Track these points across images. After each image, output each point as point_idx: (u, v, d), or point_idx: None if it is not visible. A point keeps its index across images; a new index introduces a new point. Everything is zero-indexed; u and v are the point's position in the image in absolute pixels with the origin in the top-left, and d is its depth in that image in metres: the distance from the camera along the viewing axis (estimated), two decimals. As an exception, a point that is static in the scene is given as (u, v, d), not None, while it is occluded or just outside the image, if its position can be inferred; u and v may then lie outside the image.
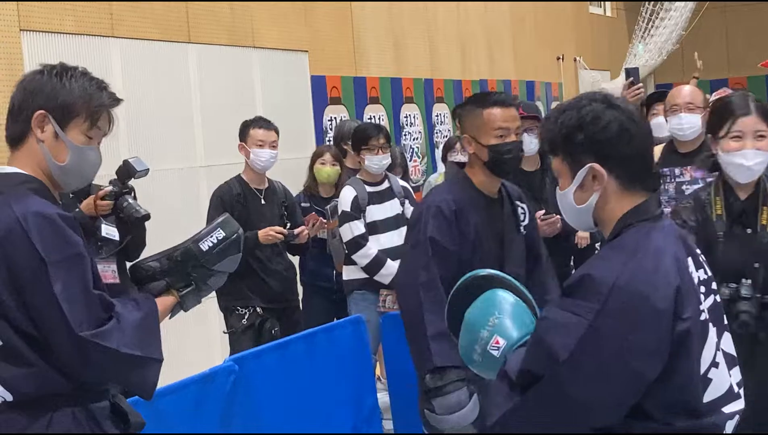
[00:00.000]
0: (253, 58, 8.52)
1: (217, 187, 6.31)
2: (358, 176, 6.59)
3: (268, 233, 6.07)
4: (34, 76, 2.84)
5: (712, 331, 2.49)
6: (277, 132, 6.27)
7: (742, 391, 2.55)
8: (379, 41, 10.46)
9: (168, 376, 3.99)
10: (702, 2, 16.20)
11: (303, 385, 5.33)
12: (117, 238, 5.17)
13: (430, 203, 4.20)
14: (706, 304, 2.50)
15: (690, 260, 2.51)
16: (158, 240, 6.81)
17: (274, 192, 6.35)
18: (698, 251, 2.60)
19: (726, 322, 2.60)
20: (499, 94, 4.29)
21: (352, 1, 10.00)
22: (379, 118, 10.10)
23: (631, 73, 6.32)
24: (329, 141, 8.98)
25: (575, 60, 15.71)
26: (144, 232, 5.38)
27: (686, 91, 5.92)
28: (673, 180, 5.76)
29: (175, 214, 7.27)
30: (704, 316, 2.47)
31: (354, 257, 6.39)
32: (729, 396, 2.50)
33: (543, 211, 5.97)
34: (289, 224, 6.30)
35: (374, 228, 6.42)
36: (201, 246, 3.01)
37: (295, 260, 6.65)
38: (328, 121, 9.43)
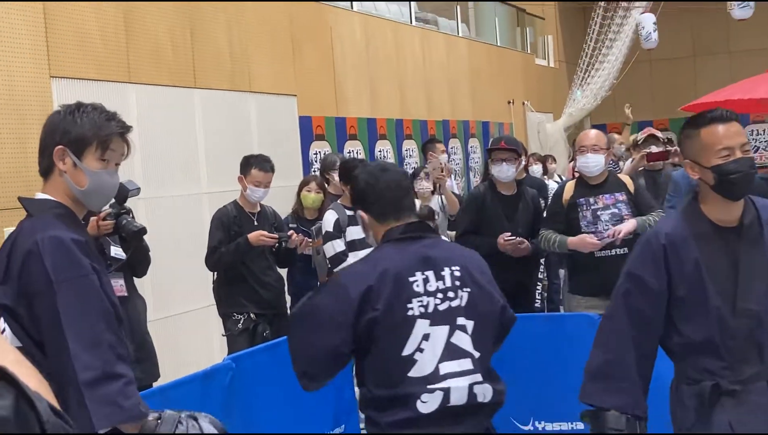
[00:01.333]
0: (250, 100, 8.52)
1: (217, 211, 6.32)
2: (339, 202, 6.59)
3: (260, 236, 6.05)
4: (53, 116, 2.85)
5: (425, 326, 2.91)
6: (273, 171, 6.27)
7: (461, 377, 2.93)
8: (357, 87, 10.48)
9: (176, 372, 3.99)
10: (630, 57, 16.33)
11: (292, 381, 5.30)
12: (123, 256, 5.13)
13: (647, 234, 3.21)
14: (433, 307, 2.95)
15: (427, 274, 2.97)
16: (169, 256, 6.84)
17: (265, 215, 6.37)
18: (453, 268, 3.02)
19: (461, 323, 2.97)
20: (716, 111, 3.14)
21: (334, 50, 10.02)
22: (357, 153, 10.10)
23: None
24: (315, 171, 8.99)
25: (523, 104, 15.78)
26: (144, 246, 5.29)
27: (592, 135, 5.98)
28: (588, 208, 5.85)
29: (182, 234, 7.25)
30: (412, 312, 2.92)
31: (336, 271, 6.39)
32: (433, 376, 2.89)
33: (509, 234, 6.02)
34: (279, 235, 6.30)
35: (353, 246, 6.42)
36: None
37: (284, 273, 6.64)
38: (314, 154, 9.43)
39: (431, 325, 2.94)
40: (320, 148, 9.56)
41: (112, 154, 2.83)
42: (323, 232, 6.44)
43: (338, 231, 6.38)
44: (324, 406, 5.52)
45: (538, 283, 7.50)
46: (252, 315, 6.18)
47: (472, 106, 13.70)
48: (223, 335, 6.27)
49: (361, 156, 10.11)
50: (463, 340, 2.96)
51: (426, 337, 2.92)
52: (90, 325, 2.60)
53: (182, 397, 4.31)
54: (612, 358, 3.05)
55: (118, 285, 5.09)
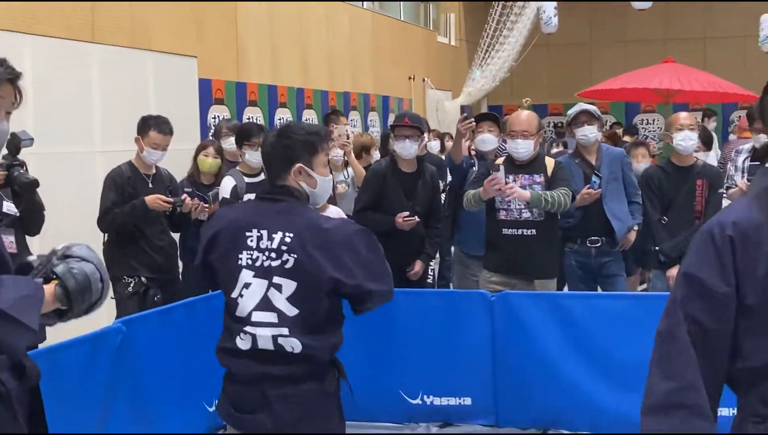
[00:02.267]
0: (149, 59, 8.34)
1: (111, 171, 6.18)
2: (237, 168, 6.52)
3: (156, 199, 5.98)
4: None
5: (248, 276, 3.29)
6: (171, 133, 6.16)
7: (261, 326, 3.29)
8: (259, 52, 10.37)
9: (60, 334, 3.89)
10: (530, 41, 16.57)
11: (183, 347, 5.25)
12: (16, 211, 4.98)
13: (709, 224, 2.35)
14: (260, 262, 3.29)
15: (263, 232, 3.31)
16: (59, 215, 6.65)
17: (160, 177, 6.27)
18: (286, 234, 3.30)
19: (277, 282, 3.28)
20: None
21: (238, 15, 9.89)
22: (256, 119, 10.00)
23: (465, 109, 6.45)
24: (212, 136, 8.87)
25: (424, 80, 15.88)
26: (38, 202, 5.14)
27: (523, 119, 5.98)
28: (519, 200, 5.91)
29: (73, 193, 7.08)
30: (240, 262, 3.31)
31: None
32: (247, 320, 3.30)
33: (407, 213, 6.06)
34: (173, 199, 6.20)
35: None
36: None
37: (177, 238, 6.55)
38: (212, 118, 9.30)
39: (254, 277, 3.31)
40: (219, 113, 9.44)
41: (1, 101, 2.71)
42: (220, 198, 6.37)
43: (235, 198, 6.32)
44: (216, 376, 5.49)
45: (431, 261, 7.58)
46: (143, 279, 6.09)
47: (374, 80, 13.71)
48: (111, 298, 6.16)
49: (261, 123, 10.02)
50: (275, 297, 3.29)
51: (247, 285, 3.32)
52: None
53: (70, 360, 4.23)
54: (679, 385, 2.29)
55: (8, 241, 4.94)
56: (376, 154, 8.27)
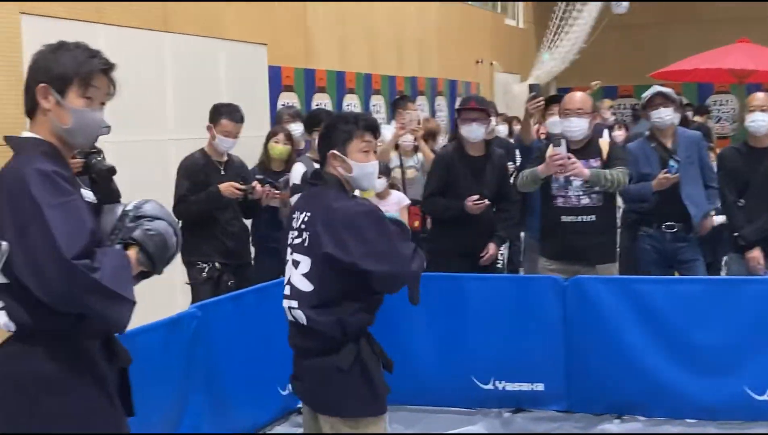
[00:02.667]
0: (220, 47, 8.42)
1: (184, 159, 6.25)
2: (308, 154, 6.56)
3: (229, 186, 6.04)
4: (35, 55, 2.84)
5: (289, 253, 3.60)
6: (242, 121, 6.22)
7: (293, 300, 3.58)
8: (328, 39, 10.40)
9: (138, 319, 3.95)
10: (600, 22, 16.34)
11: (255, 331, 5.32)
12: (94, 199, 5.08)
13: None
14: (293, 240, 3.59)
15: (297, 214, 3.62)
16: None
17: (232, 165, 6.31)
18: (305, 213, 3.58)
19: (295, 258, 3.59)
20: None
21: (307, 2, 9.92)
22: (324, 106, 10.04)
23: (534, 88, 6.41)
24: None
25: (491, 64, 15.77)
26: (115, 190, 5.24)
27: (577, 98, 5.94)
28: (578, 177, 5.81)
29: (148, 180, 7.19)
30: (290, 241, 3.60)
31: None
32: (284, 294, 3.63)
33: (477, 196, 6.03)
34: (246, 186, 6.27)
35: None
36: (117, 211, 2.93)
37: (249, 224, 6.62)
38: (282, 105, 9.34)
39: (290, 254, 3.63)
40: (288, 100, 9.49)
41: (95, 91, 2.82)
42: (290, 184, 6.41)
43: (306, 184, 6.33)
44: (286, 360, 5.54)
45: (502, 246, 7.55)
46: (217, 264, 6.16)
47: (441, 64, 13.66)
48: (186, 284, 6.25)
49: (329, 109, 10.06)
50: (292, 272, 3.60)
51: (288, 262, 3.64)
52: (81, 238, 2.62)
53: (146, 344, 4.30)
54: None
55: None
56: (441, 141, 8.27)
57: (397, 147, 8.17)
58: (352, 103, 10.87)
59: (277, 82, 9.34)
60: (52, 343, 2.70)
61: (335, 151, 3.62)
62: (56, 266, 2.57)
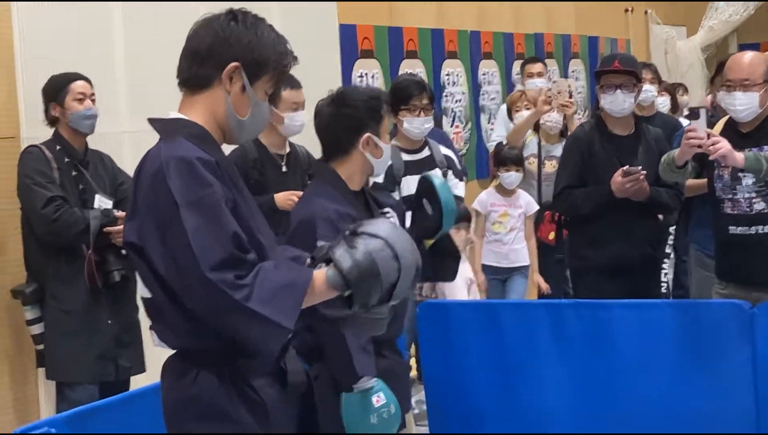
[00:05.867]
0: (273, 6, 8.52)
1: (231, 152, 6.32)
2: (393, 142, 6.53)
3: (289, 197, 5.99)
4: (227, 22, 3.15)
5: None
6: (301, 87, 6.30)
7: None
8: (418, -14, 10.43)
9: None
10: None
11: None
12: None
13: None
14: None
15: None
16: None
17: (296, 158, 6.35)
18: None
19: None
20: None
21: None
22: (418, 74, 10.07)
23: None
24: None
25: (646, 13, 15.65)
26: None
27: (744, 64, 5.76)
28: (728, 165, 5.69)
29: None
30: None
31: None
32: None
33: (627, 167, 5.99)
34: None
35: (411, 202, 6.41)
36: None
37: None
38: (358, 77, 9.42)
39: None
40: (367, 69, 9.56)
41: (276, 88, 3.24)
42: (370, 183, 6.45)
43: (391, 182, 6.39)
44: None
45: (665, 260, 7.49)
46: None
47: (575, 16, 13.60)
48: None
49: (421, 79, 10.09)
50: None
51: None
52: (221, 247, 2.91)
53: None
54: None
55: None
56: (578, 121, 8.27)
57: (536, 128, 8.17)
58: (454, 72, 10.89)
59: (351, 45, 9.42)
60: (203, 363, 3.07)
61: (370, 135, 3.97)
62: (194, 278, 2.89)
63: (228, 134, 3.17)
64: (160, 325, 3.12)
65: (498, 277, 7.83)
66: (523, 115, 8.33)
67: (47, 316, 5.84)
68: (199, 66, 3.14)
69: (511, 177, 7.65)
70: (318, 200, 3.99)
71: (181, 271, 2.93)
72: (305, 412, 3.30)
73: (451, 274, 4.59)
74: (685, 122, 7.79)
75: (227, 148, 3.54)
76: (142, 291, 3.14)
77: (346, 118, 3.98)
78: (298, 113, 6.19)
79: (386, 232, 3.06)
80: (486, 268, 7.82)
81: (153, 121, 3.18)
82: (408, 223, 4.41)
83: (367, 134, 3.96)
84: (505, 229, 7.73)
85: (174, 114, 3.16)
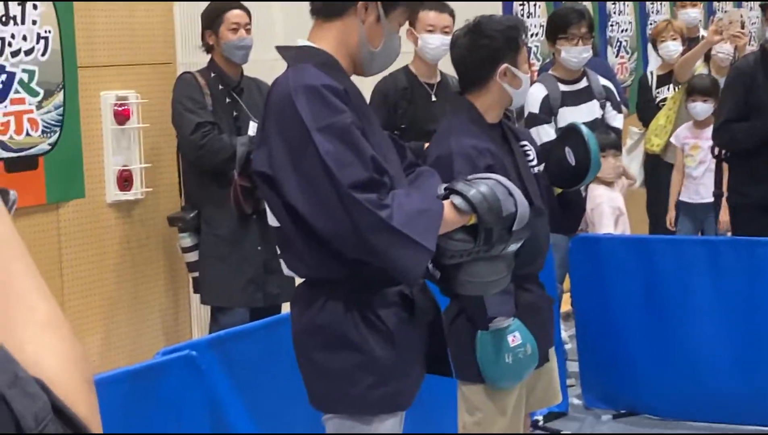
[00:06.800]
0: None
1: (380, 80, 6.26)
2: (551, 71, 6.48)
3: None
4: None
5: None
6: (452, 15, 6.19)
7: None
8: None
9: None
10: None
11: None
12: None
13: None
14: None
15: None
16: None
17: (447, 87, 6.26)
18: None
19: None
20: None
21: None
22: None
23: None
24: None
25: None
26: None
27: None
28: None
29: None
30: None
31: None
32: None
33: None
34: None
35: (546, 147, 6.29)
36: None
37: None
38: (520, 5, 9.23)
39: None
40: (528, -1, 9.37)
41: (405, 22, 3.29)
42: (526, 113, 6.34)
43: (548, 113, 6.28)
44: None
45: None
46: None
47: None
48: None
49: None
50: None
51: None
52: (361, 168, 2.95)
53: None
54: None
55: None
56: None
57: (707, 59, 7.93)
58: (621, 1, 10.62)
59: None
60: (331, 293, 3.10)
61: (508, 65, 3.86)
62: (336, 197, 2.91)
63: (358, 64, 3.17)
64: (289, 254, 3.14)
65: (690, 214, 7.57)
66: (668, 46, 8.07)
67: (202, 241, 5.87)
68: None
69: (696, 107, 7.39)
70: (455, 135, 3.89)
71: (320, 194, 2.93)
72: (434, 342, 3.30)
73: (572, 228, 4.67)
74: None
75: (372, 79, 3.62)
76: (271, 220, 3.16)
77: (482, 49, 3.86)
78: (433, 36, 6.08)
79: (495, 176, 3.26)
80: (680, 205, 7.59)
81: (282, 49, 3.19)
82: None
83: (504, 65, 3.84)
84: (694, 162, 7.49)
85: (303, 42, 3.16)
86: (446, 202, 3.12)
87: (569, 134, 4.12)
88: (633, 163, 8.02)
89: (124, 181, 5.96)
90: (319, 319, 3.10)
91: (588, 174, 4.04)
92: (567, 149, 4.04)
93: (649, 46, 9.44)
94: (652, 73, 8.44)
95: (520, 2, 9.88)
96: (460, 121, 3.92)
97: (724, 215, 6.81)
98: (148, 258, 6.14)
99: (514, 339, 3.60)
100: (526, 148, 4.14)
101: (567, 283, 6.42)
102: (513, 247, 3.32)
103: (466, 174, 3.45)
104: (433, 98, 6.20)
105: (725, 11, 8.05)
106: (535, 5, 10.24)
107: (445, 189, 3.20)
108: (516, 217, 3.19)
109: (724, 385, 5.68)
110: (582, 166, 4.02)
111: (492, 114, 3.96)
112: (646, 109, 8.16)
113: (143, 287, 6.10)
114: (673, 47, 8.03)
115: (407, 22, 6.11)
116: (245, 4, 6.04)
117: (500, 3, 8.91)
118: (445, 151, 3.82)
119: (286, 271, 3.22)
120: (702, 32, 8.39)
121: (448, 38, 6.13)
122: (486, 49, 3.85)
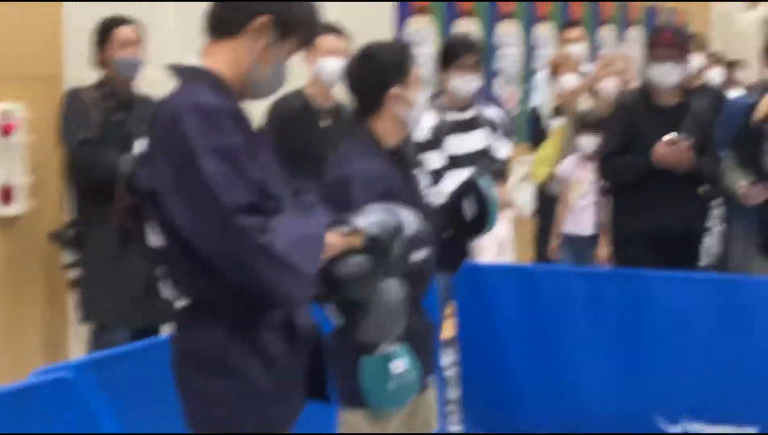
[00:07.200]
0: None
1: (273, 102, 6.24)
2: (439, 99, 6.51)
3: None
4: None
5: None
6: (349, 39, 6.21)
7: None
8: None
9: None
10: None
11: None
12: None
13: None
14: None
15: None
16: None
17: (341, 112, 6.27)
18: None
19: None
20: None
21: None
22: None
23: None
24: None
25: (708, -17, 15.41)
26: None
27: None
28: None
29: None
30: None
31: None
32: None
33: (673, 136, 5.96)
34: None
35: (454, 162, 6.34)
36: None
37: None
38: (411, 34, 9.32)
39: None
40: (420, 27, 9.45)
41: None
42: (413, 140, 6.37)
43: (436, 140, 6.32)
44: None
45: (709, 232, 7.35)
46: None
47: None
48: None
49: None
50: None
51: None
52: (244, 192, 2.91)
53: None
54: None
55: None
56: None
57: (593, 94, 8.05)
58: (508, 33, 10.76)
59: (405, 2, 9.31)
60: (212, 316, 3.05)
61: (399, 89, 3.88)
62: (218, 220, 2.87)
63: (246, 87, 3.12)
64: (171, 275, 3.09)
65: (572, 246, 7.67)
66: (568, 78, 8.18)
67: (84, 258, 5.79)
68: (229, 13, 3.09)
69: (583, 140, 7.49)
70: (353, 159, 3.90)
71: (203, 217, 2.89)
72: (315, 367, 3.28)
73: (454, 268, 4.72)
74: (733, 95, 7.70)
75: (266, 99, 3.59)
76: (153, 240, 3.12)
77: (372, 74, 3.91)
78: (331, 59, 6.11)
79: (380, 208, 3.25)
80: (564, 236, 7.68)
81: (172, 67, 3.13)
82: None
83: (395, 89, 3.87)
84: (579, 194, 7.58)
85: (193, 61, 3.12)
86: (335, 237, 3.10)
87: (468, 188, 4.15)
88: (524, 192, 8.12)
89: (6, 195, 5.86)
90: (200, 342, 3.06)
91: (483, 229, 4.10)
92: (465, 202, 4.09)
93: (537, 77, 9.59)
94: (545, 104, 8.54)
95: (501, 31, 10.06)
96: (357, 145, 3.94)
97: (603, 249, 6.92)
98: (28, 274, 6.04)
99: (399, 365, 3.60)
100: (420, 173, 4.19)
101: (449, 309, 6.47)
102: (414, 258, 3.31)
103: (364, 198, 3.48)
104: (327, 122, 6.23)
105: (616, 48, 8.19)
106: (512, 34, 10.43)
107: (334, 221, 3.18)
108: (404, 230, 3.22)
109: (603, 411, 5.78)
110: (478, 221, 4.08)
111: (389, 138, 3.98)
112: (539, 140, 8.25)
113: (23, 305, 6.00)
114: (572, 79, 8.14)
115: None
116: (138, 19, 5.98)
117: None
118: (343, 174, 3.83)
119: (167, 292, 3.16)
120: (589, 66, 8.50)
121: (344, 62, 6.16)
122: (376, 74, 3.90)
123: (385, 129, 3.95)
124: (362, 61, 3.96)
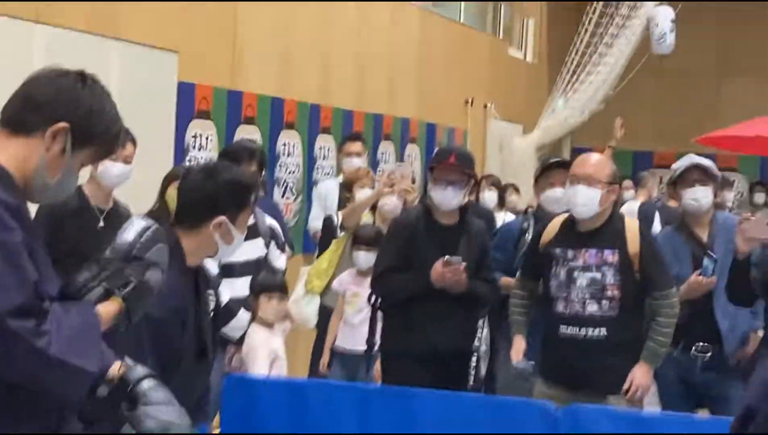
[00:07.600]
0: (113, 49, 8.31)
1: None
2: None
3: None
4: (74, 82, 3.05)
5: None
6: (134, 144, 6.13)
7: None
8: (264, 52, 10.34)
9: None
10: (635, 63, 16.46)
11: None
12: None
13: None
14: None
15: None
16: None
17: (118, 217, 6.16)
18: None
19: None
20: None
21: (237, 1, 9.85)
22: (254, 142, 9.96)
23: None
24: (190, 161, 8.81)
25: (486, 106, 15.82)
26: None
27: (591, 161, 6.01)
28: (565, 263, 5.88)
29: None
30: None
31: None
32: None
33: (447, 257, 6.01)
34: None
35: (230, 270, 6.28)
36: (125, 236, 3.19)
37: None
38: (192, 137, 9.26)
39: None
40: (202, 130, 9.39)
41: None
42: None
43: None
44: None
45: (478, 352, 7.44)
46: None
47: (418, 101, 13.68)
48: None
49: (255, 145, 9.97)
50: None
51: None
52: (20, 293, 2.80)
53: None
54: None
55: None
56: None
57: (373, 210, 8.10)
58: (290, 143, 10.80)
59: (188, 104, 9.25)
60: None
61: (226, 219, 3.87)
62: None
63: (28, 189, 3.02)
64: None
65: (344, 361, 7.60)
66: (365, 192, 8.25)
67: None
68: (28, 112, 3.01)
69: (360, 256, 7.50)
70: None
71: None
72: None
73: None
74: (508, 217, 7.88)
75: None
76: None
77: (208, 193, 3.86)
78: (116, 164, 6.05)
79: (163, 258, 3.24)
80: (335, 351, 7.62)
81: None
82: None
83: (223, 217, 3.84)
84: (354, 309, 7.55)
85: None
86: (107, 308, 3.04)
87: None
88: (310, 305, 8.08)
89: None
90: None
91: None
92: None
93: (320, 187, 9.64)
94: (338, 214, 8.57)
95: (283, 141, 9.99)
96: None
97: (377, 368, 6.93)
98: None
99: None
100: (211, 296, 4.14)
101: (217, 420, 6.35)
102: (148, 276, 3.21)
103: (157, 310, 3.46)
104: (102, 224, 6.15)
105: (398, 165, 8.27)
106: (294, 144, 10.41)
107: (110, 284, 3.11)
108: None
109: None
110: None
111: (193, 258, 3.92)
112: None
113: None
114: (368, 193, 8.19)
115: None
116: None
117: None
118: None
119: None
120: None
121: (128, 168, 6.13)
122: (211, 195, 3.87)
123: (194, 248, 3.90)
124: (204, 176, 3.93)
